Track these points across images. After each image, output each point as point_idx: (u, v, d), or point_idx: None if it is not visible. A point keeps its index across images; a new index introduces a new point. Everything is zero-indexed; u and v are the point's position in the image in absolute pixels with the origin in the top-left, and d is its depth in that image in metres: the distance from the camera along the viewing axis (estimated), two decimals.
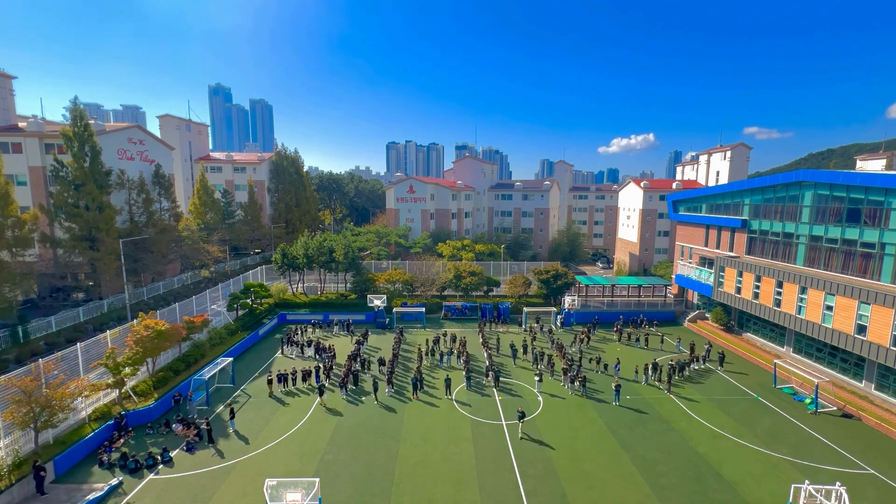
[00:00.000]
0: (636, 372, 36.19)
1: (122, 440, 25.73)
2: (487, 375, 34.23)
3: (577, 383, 33.13)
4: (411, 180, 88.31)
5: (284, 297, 53.68)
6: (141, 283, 51.76)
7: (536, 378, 33.68)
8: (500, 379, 34.43)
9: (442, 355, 38.42)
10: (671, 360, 36.71)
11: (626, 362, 37.54)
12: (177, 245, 58.04)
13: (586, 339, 43.48)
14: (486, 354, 38.24)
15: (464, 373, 35.31)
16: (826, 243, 36.61)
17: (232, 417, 27.46)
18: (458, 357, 38.93)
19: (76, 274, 50.18)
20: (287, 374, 33.32)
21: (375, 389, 31.70)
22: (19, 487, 20.60)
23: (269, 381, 32.79)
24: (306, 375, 33.83)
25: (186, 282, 57.75)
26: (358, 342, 40.80)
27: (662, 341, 44.31)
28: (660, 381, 34.85)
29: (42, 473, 21.01)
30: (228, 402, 30.83)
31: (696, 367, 37.80)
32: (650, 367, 35.42)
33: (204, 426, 26.50)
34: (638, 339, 44.45)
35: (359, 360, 37.15)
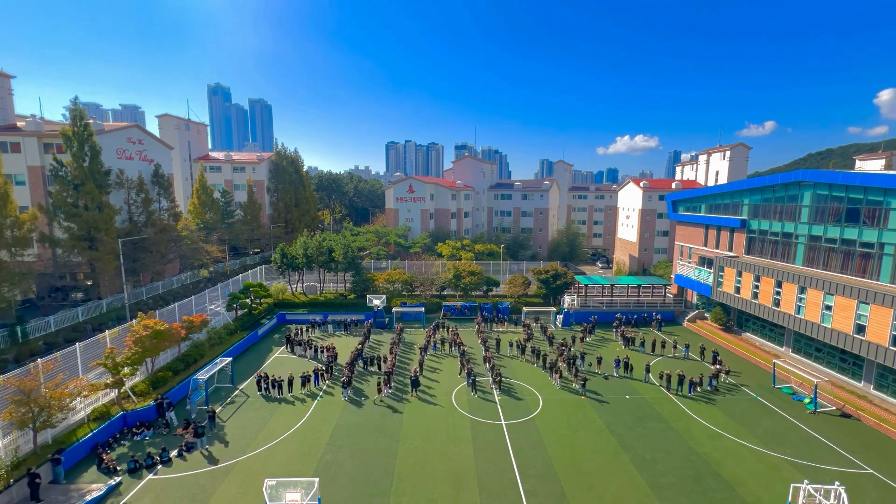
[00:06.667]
0: (621, 366, 36.20)
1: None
2: (497, 380, 33.24)
3: (578, 384, 33.21)
4: (411, 180, 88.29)
5: (284, 296, 53.66)
6: (140, 283, 51.68)
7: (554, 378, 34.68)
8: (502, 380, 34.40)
9: (435, 344, 40.14)
10: (693, 375, 34.21)
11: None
12: (176, 245, 57.95)
13: (580, 340, 43.71)
14: (485, 357, 38.18)
15: (459, 365, 35.86)
16: (825, 243, 36.66)
17: (212, 419, 27.53)
18: (451, 346, 40.60)
19: (75, 274, 50.12)
20: (282, 379, 32.34)
21: (415, 385, 32.36)
22: (18, 488, 20.55)
23: (259, 382, 32.69)
24: (305, 381, 32.92)
25: (185, 282, 57.68)
26: (360, 342, 40.88)
27: (677, 346, 41.69)
28: (681, 391, 33.29)
29: (37, 480, 20.61)
30: (228, 400, 30.95)
31: (719, 380, 34.87)
32: (671, 377, 33.82)
33: (208, 412, 27.64)
34: (643, 343, 43.36)
35: (360, 360, 37.16)
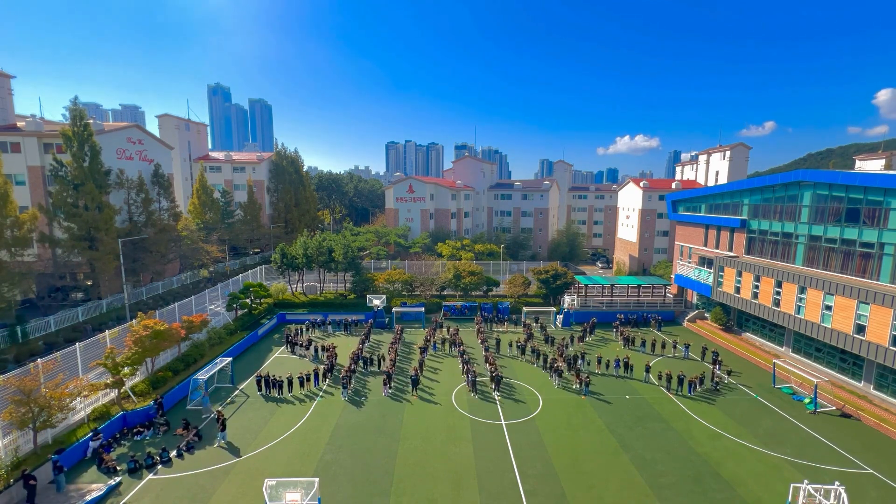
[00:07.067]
0: (621, 366, 36.16)
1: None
2: (496, 386, 32.98)
3: (581, 384, 33.22)
4: (411, 180, 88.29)
5: (284, 296, 53.65)
6: (140, 283, 51.68)
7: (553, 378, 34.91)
8: (502, 380, 34.32)
9: (435, 344, 41.50)
10: (692, 375, 34.18)
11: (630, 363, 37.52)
12: (176, 245, 57.95)
13: (579, 339, 43.83)
14: (485, 357, 38.16)
15: (459, 364, 36.20)
16: (825, 243, 36.65)
17: (223, 430, 25.97)
18: (451, 345, 41.36)
19: (75, 274, 50.12)
20: (283, 380, 32.36)
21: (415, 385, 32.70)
22: (18, 488, 20.53)
23: (259, 382, 32.60)
24: (304, 380, 32.93)
25: (185, 282, 57.67)
26: (361, 342, 40.90)
27: (677, 346, 41.52)
28: (681, 391, 33.29)
29: (32, 482, 20.40)
30: (228, 400, 30.98)
31: (717, 381, 34.67)
32: (671, 377, 33.80)
33: (215, 416, 27.49)
34: (643, 343, 43.30)
35: (360, 360, 37.17)
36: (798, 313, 36.51)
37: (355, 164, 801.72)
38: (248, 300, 46.85)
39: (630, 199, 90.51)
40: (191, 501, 20.92)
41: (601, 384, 34.48)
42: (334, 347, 38.91)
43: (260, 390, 32.38)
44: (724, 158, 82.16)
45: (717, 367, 35.76)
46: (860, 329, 31.24)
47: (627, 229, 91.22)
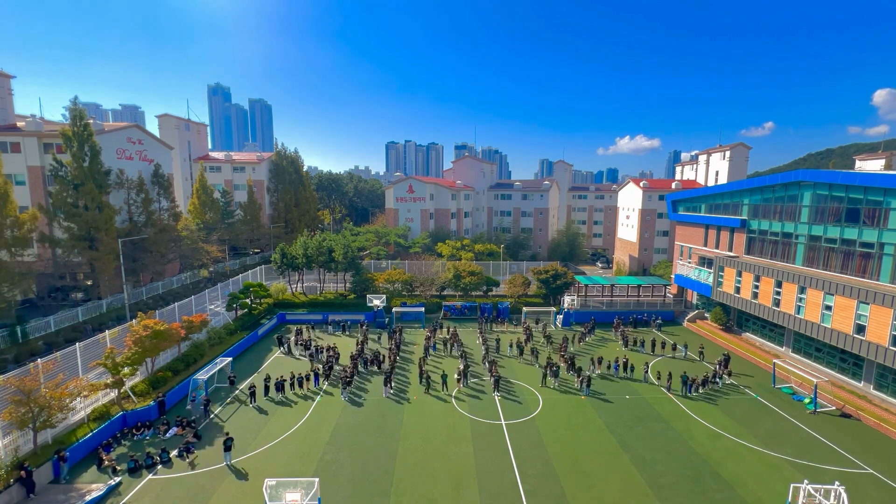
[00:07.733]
0: (621, 366, 36.14)
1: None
2: (496, 386, 32.95)
3: (582, 385, 33.20)
4: (411, 180, 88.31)
5: (284, 296, 53.66)
6: (140, 283, 51.69)
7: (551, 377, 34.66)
8: (501, 381, 34.31)
9: (434, 344, 41.41)
10: (692, 374, 34.20)
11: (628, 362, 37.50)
12: (176, 245, 57.95)
13: (578, 340, 43.83)
14: (483, 356, 38.14)
15: (460, 365, 35.92)
16: (825, 243, 36.66)
17: (228, 450, 24.26)
18: (451, 345, 41.38)
19: (75, 274, 50.13)
20: (284, 381, 32.31)
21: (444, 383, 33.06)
22: (18, 488, 20.55)
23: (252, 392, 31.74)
24: (303, 381, 32.89)
25: (185, 282, 57.68)
26: (361, 342, 40.89)
27: (677, 346, 41.45)
28: (688, 391, 33.16)
29: (24, 474, 20.62)
30: (228, 400, 30.97)
31: (719, 381, 34.79)
32: (671, 376, 33.80)
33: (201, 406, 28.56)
34: (643, 343, 43.22)
35: (360, 360, 37.15)
36: (798, 313, 36.52)
37: (355, 164, 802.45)
38: (248, 300, 46.85)
39: (630, 199, 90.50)
40: (191, 501, 20.92)
41: (601, 384, 34.49)
42: (334, 347, 38.91)
43: (254, 399, 31.31)
44: (724, 158, 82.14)
45: (725, 367, 35.73)
46: (860, 329, 31.24)
47: (627, 229, 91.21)
